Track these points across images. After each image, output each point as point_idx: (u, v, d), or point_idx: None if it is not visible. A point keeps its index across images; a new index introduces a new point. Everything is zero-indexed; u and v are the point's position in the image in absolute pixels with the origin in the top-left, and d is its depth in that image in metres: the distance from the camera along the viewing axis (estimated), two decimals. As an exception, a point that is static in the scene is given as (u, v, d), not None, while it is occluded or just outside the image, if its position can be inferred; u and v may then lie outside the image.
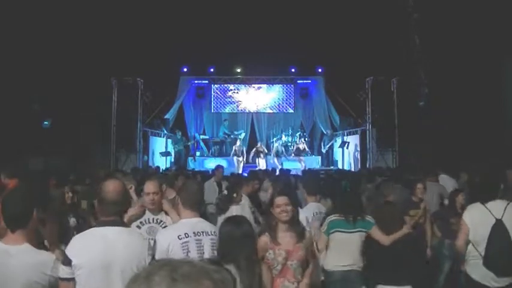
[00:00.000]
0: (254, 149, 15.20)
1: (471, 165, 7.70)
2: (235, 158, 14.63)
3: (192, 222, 2.86)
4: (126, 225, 2.60)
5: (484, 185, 3.63)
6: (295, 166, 14.60)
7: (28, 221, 2.24)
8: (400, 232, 3.73)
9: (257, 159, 14.94)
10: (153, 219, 3.46)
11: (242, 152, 14.84)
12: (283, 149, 15.60)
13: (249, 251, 2.50)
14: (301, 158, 15.22)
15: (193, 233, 2.79)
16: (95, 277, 2.29)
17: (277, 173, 10.46)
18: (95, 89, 12.87)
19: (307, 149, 15.72)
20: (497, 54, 12.57)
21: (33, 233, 2.33)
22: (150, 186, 3.53)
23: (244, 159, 14.87)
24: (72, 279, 2.27)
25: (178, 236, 2.75)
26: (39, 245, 2.45)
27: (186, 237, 2.76)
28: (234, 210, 4.73)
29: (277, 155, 15.10)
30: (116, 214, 2.44)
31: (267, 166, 14.15)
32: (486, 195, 3.46)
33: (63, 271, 2.25)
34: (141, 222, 3.42)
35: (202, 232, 2.80)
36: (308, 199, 4.61)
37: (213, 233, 2.80)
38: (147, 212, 3.48)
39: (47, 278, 2.18)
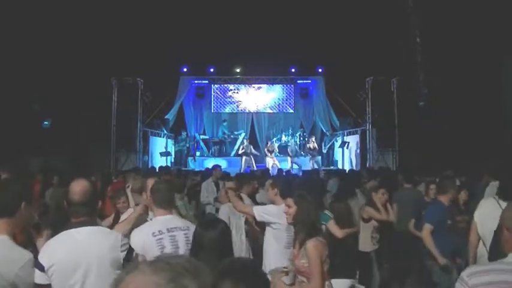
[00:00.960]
0: (265, 149, 15.21)
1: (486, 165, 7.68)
2: (244, 157, 14.63)
3: (165, 219, 2.99)
4: (97, 224, 2.53)
5: (504, 185, 3.65)
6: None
7: (14, 211, 2.21)
8: (353, 228, 4.15)
9: (267, 159, 14.92)
10: None
11: (251, 151, 14.83)
12: (297, 148, 15.58)
13: (213, 260, 2.02)
14: (314, 158, 15.15)
15: (167, 229, 2.91)
16: (69, 280, 2.25)
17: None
18: (95, 89, 12.87)
19: (317, 148, 15.65)
20: (497, 54, 12.58)
21: (18, 227, 2.30)
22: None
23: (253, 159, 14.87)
24: (48, 286, 2.23)
25: (152, 233, 2.87)
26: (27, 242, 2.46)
27: (160, 234, 2.88)
28: (222, 211, 4.68)
29: (292, 154, 15.07)
30: (86, 215, 2.39)
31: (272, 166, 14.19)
32: (504, 195, 3.48)
33: (38, 276, 2.20)
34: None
35: (176, 228, 2.92)
36: None
37: (186, 228, 2.92)
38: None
39: (12, 275, 2.07)
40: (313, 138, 15.64)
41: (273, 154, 14.90)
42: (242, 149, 14.87)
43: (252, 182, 6.06)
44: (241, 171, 12.79)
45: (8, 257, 2.10)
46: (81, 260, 2.26)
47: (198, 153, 16.42)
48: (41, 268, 2.20)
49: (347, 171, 11.71)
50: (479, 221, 3.45)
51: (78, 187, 2.41)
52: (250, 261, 2.08)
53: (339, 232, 4.06)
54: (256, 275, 1.60)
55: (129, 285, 1.00)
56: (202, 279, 1.03)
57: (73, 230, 2.36)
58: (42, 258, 2.23)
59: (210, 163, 14.48)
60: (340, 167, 15.25)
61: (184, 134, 15.76)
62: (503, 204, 3.37)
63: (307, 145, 15.52)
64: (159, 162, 14.42)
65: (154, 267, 1.01)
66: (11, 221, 2.21)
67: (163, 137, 15.60)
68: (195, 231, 2.51)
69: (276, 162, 14.65)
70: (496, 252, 3.18)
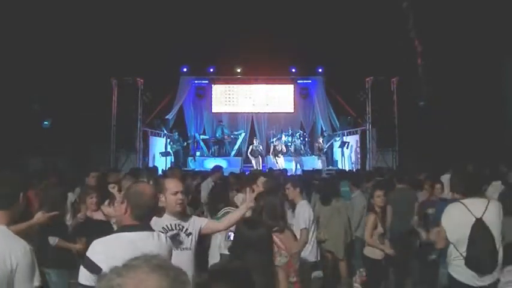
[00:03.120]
0: (272, 148, 15.26)
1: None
2: (253, 158, 14.68)
3: None
4: (151, 229, 2.42)
5: (466, 183, 3.51)
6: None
7: (11, 203, 2.22)
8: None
9: (274, 159, 14.97)
10: (175, 225, 2.96)
11: (260, 152, 14.87)
12: (302, 147, 15.57)
13: (260, 259, 2.25)
14: (322, 158, 15.10)
15: None
16: None
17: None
18: (95, 89, 12.87)
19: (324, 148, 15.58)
20: (497, 54, 12.57)
21: (16, 216, 2.30)
22: (175, 184, 2.98)
23: (261, 159, 14.94)
24: None
25: None
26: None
27: None
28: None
29: (295, 154, 15.09)
30: (146, 218, 2.37)
31: (268, 165, 14.23)
32: (467, 193, 3.39)
33: (87, 277, 2.10)
34: (163, 229, 2.92)
35: None
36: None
37: None
38: (166, 216, 2.96)
39: (15, 262, 2.04)
40: (321, 139, 15.58)
41: (280, 154, 14.94)
42: (252, 149, 14.95)
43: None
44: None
45: (9, 245, 2.09)
46: None
47: (198, 153, 16.43)
48: (97, 270, 2.06)
49: (346, 171, 11.72)
50: (449, 228, 3.33)
51: (148, 189, 2.38)
52: (242, 265, 2.09)
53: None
54: (247, 279, 1.61)
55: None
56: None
57: (131, 234, 2.27)
58: (98, 259, 2.11)
59: (210, 163, 14.53)
60: (340, 167, 15.26)
61: (176, 134, 15.69)
62: (470, 205, 3.29)
63: (316, 144, 15.55)
64: (159, 162, 14.44)
65: (151, 265, 1.01)
66: (8, 212, 2.21)
67: (163, 137, 15.60)
68: (240, 231, 2.43)
69: (282, 161, 14.69)
70: (475, 257, 3.17)
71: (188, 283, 1.04)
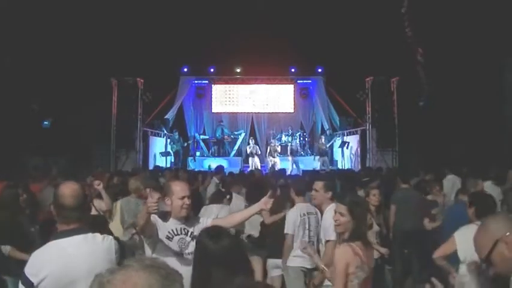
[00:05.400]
0: (269, 148, 15.32)
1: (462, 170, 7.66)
2: (250, 158, 14.74)
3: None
4: (88, 231, 2.23)
5: (480, 204, 3.45)
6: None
7: None
8: (279, 215, 4.45)
9: (269, 158, 15.03)
10: (180, 229, 2.85)
11: (256, 151, 14.96)
12: (298, 147, 15.60)
13: (230, 277, 1.77)
14: (325, 158, 14.91)
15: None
16: None
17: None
18: (95, 89, 12.86)
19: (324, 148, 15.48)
20: (497, 55, 12.58)
21: None
22: (182, 188, 2.86)
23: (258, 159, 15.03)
24: None
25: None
26: None
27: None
28: (214, 210, 4.64)
29: (292, 154, 15.14)
30: (76, 221, 2.18)
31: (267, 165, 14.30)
32: (483, 214, 3.34)
33: None
34: (169, 233, 2.82)
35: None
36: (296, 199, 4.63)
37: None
38: (171, 220, 2.86)
39: None
40: (323, 139, 15.54)
41: (276, 154, 14.97)
42: (249, 149, 15.00)
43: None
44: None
45: None
46: (71, 274, 2.04)
47: (198, 153, 16.43)
48: (30, 285, 1.99)
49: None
50: (463, 248, 3.20)
51: (69, 190, 2.20)
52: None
53: (267, 218, 4.51)
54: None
55: (123, 284, 1.01)
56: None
57: (63, 241, 2.13)
58: (30, 272, 2.01)
59: (210, 163, 14.55)
60: (340, 167, 15.26)
61: (176, 134, 15.69)
62: None
63: (316, 144, 15.55)
64: (159, 162, 14.43)
65: (142, 264, 1.04)
66: None
67: (163, 137, 15.60)
68: (202, 243, 2.04)
69: (278, 162, 14.71)
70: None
71: (180, 282, 1.07)
